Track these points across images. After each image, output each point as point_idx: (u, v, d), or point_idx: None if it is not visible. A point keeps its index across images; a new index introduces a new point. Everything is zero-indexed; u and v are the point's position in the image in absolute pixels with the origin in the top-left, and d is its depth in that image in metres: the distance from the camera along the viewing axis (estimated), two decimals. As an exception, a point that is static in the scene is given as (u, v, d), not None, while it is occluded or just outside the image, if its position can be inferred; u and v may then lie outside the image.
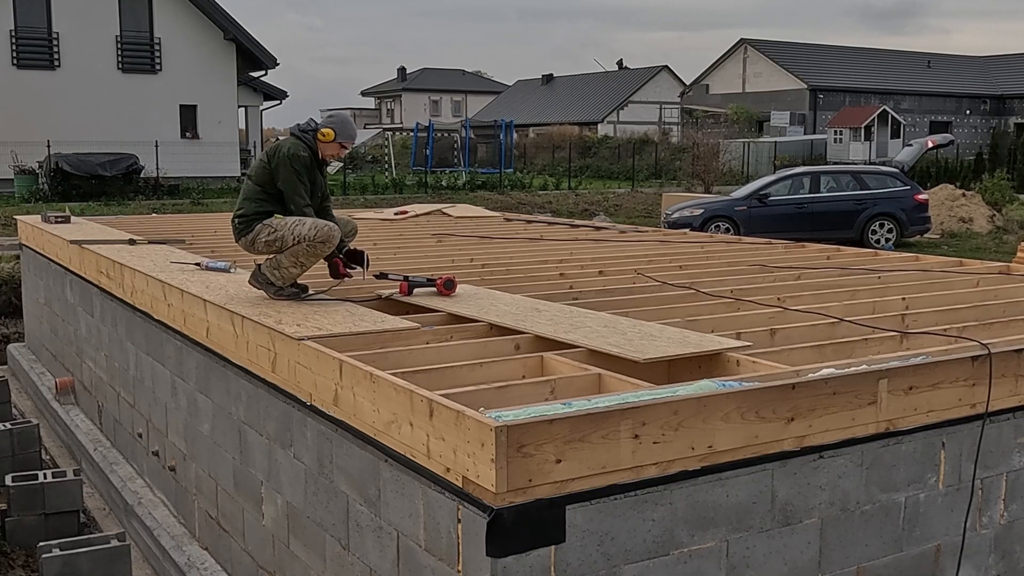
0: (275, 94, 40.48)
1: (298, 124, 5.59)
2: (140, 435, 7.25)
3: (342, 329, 4.71)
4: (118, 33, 33.57)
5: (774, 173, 26.60)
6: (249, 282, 5.64)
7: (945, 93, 57.62)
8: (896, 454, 3.96)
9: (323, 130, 5.49)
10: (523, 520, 3.16)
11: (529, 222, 12.45)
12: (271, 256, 5.52)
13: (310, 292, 5.66)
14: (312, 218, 5.41)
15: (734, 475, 3.56)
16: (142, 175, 30.57)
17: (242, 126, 39.07)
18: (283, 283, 5.51)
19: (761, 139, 49.92)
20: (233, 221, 5.62)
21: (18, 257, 13.14)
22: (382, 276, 5.85)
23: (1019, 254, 10.18)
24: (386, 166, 41.36)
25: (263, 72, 37.33)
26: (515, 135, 51.09)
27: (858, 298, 6.10)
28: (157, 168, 31.27)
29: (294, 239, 5.35)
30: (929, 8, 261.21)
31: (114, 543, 5.68)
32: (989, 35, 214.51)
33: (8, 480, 6.85)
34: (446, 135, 44.98)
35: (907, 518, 4.04)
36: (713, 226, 19.50)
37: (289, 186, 5.42)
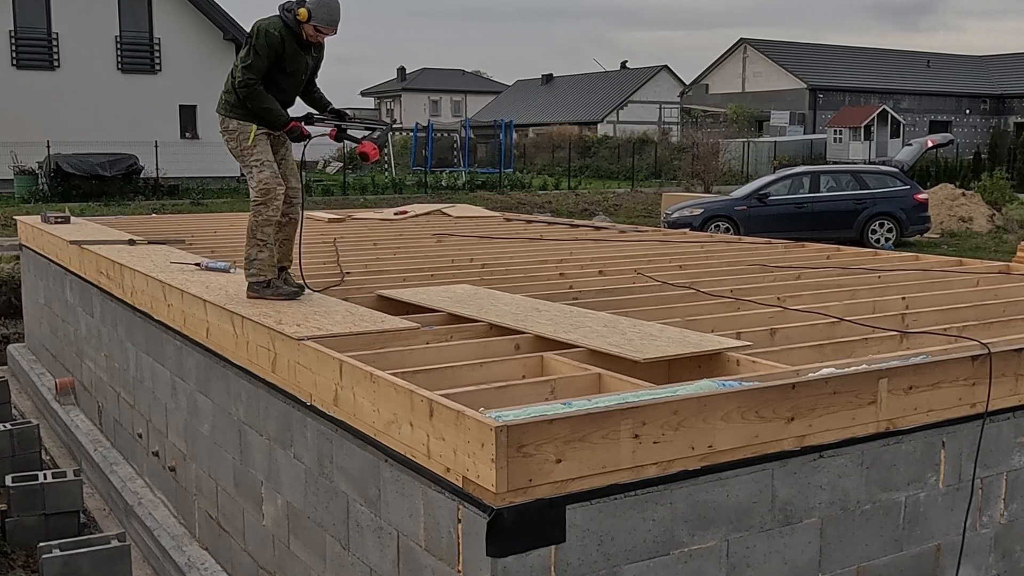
0: (275, 94, 40.40)
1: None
2: (140, 435, 7.25)
3: (342, 329, 4.71)
4: (118, 33, 33.62)
5: (774, 173, 26.60)
6: (247, 296, 5.61)
7: (945, 92, 57.67)
8: (896, 454, 3.96)
9: (298, 9, 5.14)
10: (523, 520, 3.16)
11: (529, 222, 12.44)
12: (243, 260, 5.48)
13: (309, 292, 5.66)
14: (268, 172, 5.32)
15: (734, 475, 3.56)
16: (142, 175, 30.60)
17: (242, 126, 39.00)
18: (267, 274, 5.47)
19: (761, 139, 49.94)
20: (220, 97, 5.47)
21: (18, 257, 13.14)
22: (309, 121, 5.53)
23: (1019, 253, 10.18)
24: (386, 166, 41.35)
25: (263, 72, 37.29)
26: (515, 135, 51.09)
27: (858, 298, 6.10)
28: (157, 168, 31.30)
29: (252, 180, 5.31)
30: (948, 5, 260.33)
31: (114, 543, 5.68)
32: (999, 34, 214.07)
33: (8, 480, 6.85)
34: (446, 135, 45.02)
35: (907, 517, 4.04)
36: (713, 226, 19.50)
37: (243, 58, 5.23)
